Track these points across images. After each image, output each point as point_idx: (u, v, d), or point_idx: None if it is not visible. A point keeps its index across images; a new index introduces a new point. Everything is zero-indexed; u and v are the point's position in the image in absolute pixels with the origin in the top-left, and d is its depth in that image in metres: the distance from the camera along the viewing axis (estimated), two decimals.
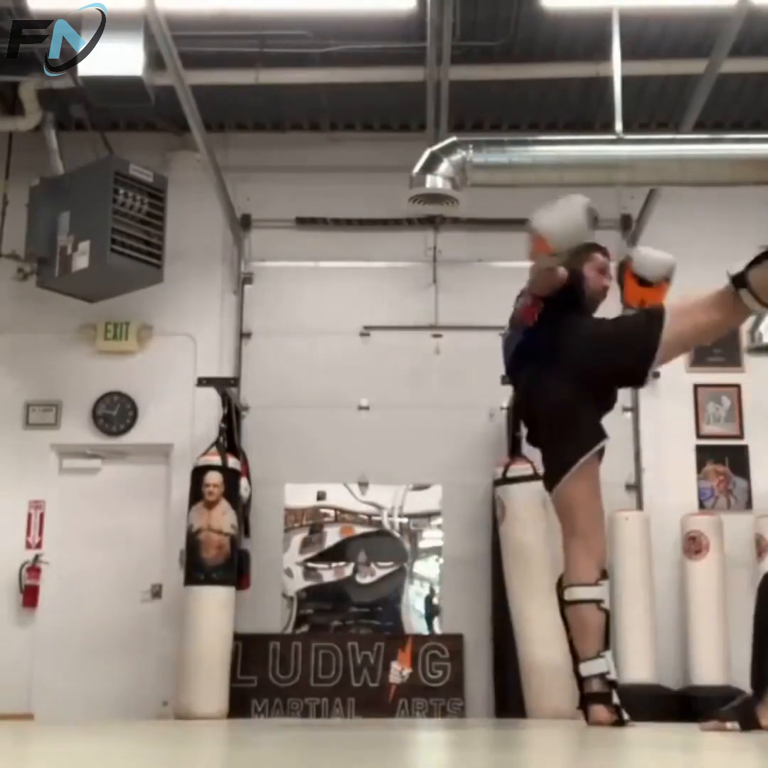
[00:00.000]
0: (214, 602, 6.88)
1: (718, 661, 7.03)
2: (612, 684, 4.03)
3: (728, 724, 3.54)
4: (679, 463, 7.67)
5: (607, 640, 4.07)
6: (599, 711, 3.98)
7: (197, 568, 6.89)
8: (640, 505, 7.57)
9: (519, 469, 7.09)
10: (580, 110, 7.78)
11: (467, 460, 7.62)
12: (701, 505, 7.63)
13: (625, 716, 3.98)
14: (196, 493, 7.02)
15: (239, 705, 6.96)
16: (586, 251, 4.43)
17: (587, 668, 4.03)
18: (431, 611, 7.60)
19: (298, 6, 6.70)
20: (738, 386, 7.82)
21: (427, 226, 7.98)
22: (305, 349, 7.87)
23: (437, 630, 7.51)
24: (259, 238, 8.08)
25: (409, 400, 7.75)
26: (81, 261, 7.13)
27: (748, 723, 3.50)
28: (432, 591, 7.62)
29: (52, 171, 7.46)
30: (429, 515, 7.71)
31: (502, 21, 6.94)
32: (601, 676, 4.02)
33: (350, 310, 7.97)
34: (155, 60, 6.60)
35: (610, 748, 2.81)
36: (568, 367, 4.23)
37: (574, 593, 4.11)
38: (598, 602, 4.07)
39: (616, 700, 3.99)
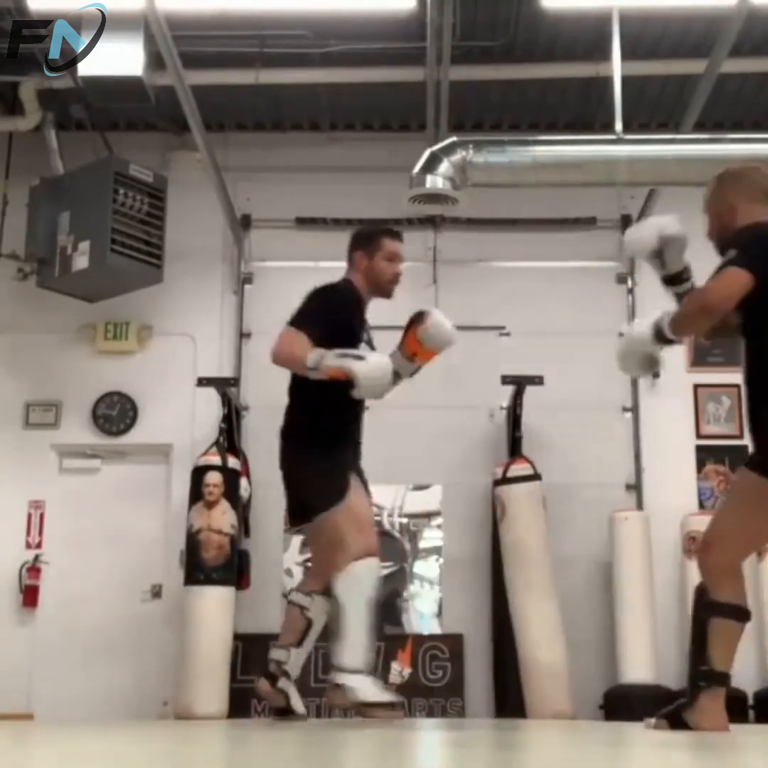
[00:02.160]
0: (214, 602, 6.88)
1: None
2: (285, 674, 4.53)
3: (658, 724, 3.75)
4: (679, 463, 7.67)
5: (300, 641, 4.55)
6: (264, 684, 4.57)
7: (197, 568, 6.89)
8: (640, 505, 7.57)
9: (519, 469, 7.09)
10: (580, 110, 7.78)
11: (467, 460, 7.62)
12: (701, 505, 7.62)
13: (300, 710, 4.53)
14: (196, 493, 7.02)
15: (239, 705, 6.95)
16: (376, 239, 4.56)
17: (274, 652, 4.59)
18: (431, 611, 7.59)
19: (298, 6, 6.70)
20: (738, 386, 7.80)
21: (427, 226, 7.98)
22: None
23: (437, 630, 7.51)
24: (259, 238, 8.08)
25: (409, 400, 7.73)
26: (81, 261, 7.13)
27: (678, 723, 3.67)
28: (432, 591, 7.62)
29: (52, 171, 7.45)
30: (429, 515, 7.71)
31: (502, 21, 6.94)
32: (279, 662, 4.54)
33: None
34: (155, 60, 6.61)
35: (610, 748, 2.81)
36: None
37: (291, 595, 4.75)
38: (302, 607, 4.57)
39: (283, 686, 4.51)
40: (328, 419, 4.58)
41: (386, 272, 4.59)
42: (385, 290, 4.66)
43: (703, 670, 3.84)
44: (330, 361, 4.22)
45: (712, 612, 3.93)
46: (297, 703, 4.53)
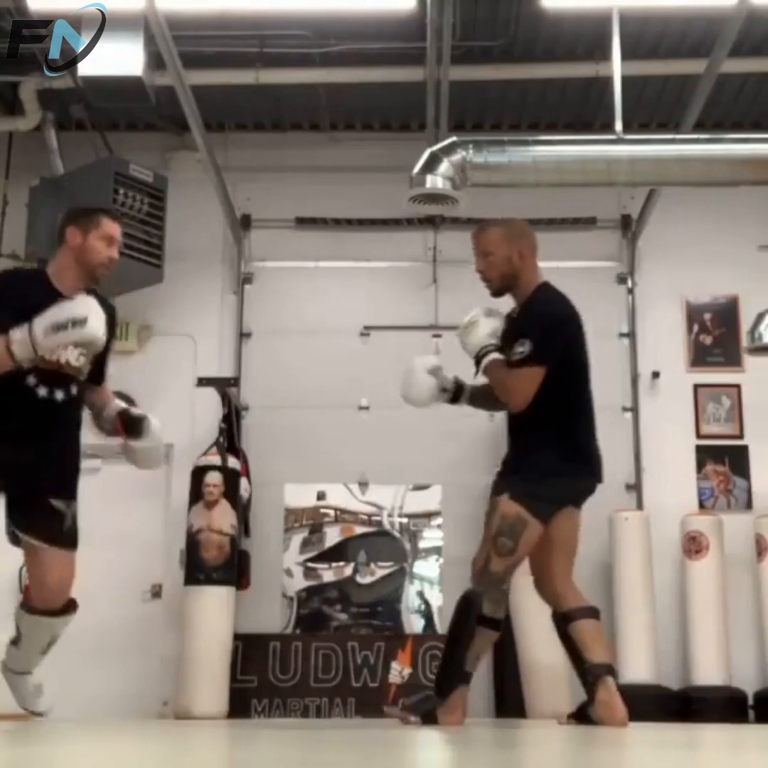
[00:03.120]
0: (214, 602, 6.88)
1: (718, 661, 7.03)
2: None
3: (411, 718, 4.17)
4: (679, 463, 7.67)
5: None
6: None
7: (197, 568, 6.89)
8: (640, 505, 7.57)
9: None
10: (580, 110, 7.78)
11: (467, 460, 7.62)
12: (701, 505, 7.62)
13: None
14: (196, 493, 7.02)
15: (239, 705, 6.96)
16: (94, 216, 4.17)
17: None
18: (431, 611, 7.60)
19: (298, 6, 6.70)
20: (738, 386, 7.82)
21: (427, 226, 7.98)
22: (305, 349, 7.87)
23: (437, 630, 7.51)
24: (259, 238, 8.08)
25: None
26: None
27: (428, 718, 4.10)
28: (432, 591, 7.62)
29: (52, 171, 7.45)
30: (429, 515, 7.71)
31: (502, 21, 6.94)
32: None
33: (350, 310, 7.97)
34: (155, 60, 6.60)
35: (610, 748, 2.81)
36: None
37: None
38: None
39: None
40: None
41: (100, 253, 4.11)
42: (94, 274, 4.14)
43: (586, 667, 4.18)
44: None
45: (569, 620, 4.32)
46: None
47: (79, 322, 3.80)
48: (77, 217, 4.17)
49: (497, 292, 4.44)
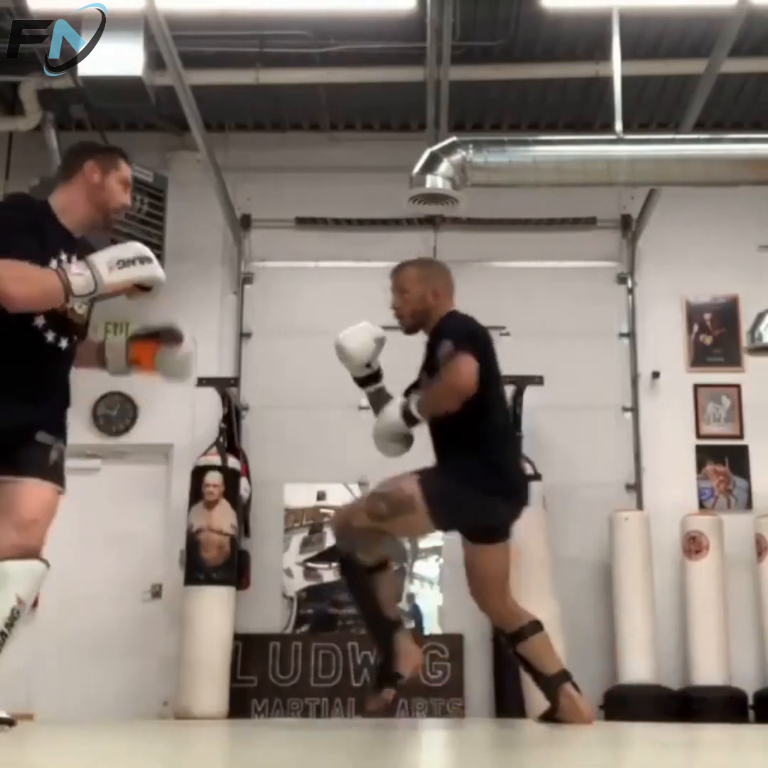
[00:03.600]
0: (214, 602, 6.88)
1: (718, 661, 7.03)
2: None
3: (384, 693, 4.16)
4: (679, 463, 7.67)
5: None
6: None
7: (197, 568, 6.89)
8: (640, 505, 7.57)
9: None
10: (580, 110, 7.78)
11: None
12: (701, 505, 7.62)
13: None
14: (196, 493, 7.02)
15: (239, 705, 6.96)
16: (115, 157, 3.79)
17: None
18: (431, 611, 7.60)
19: (298, 6, 6.70)
20: (738, 386, 7.82)
21: (427, 226, 7.98)
22: (305, 349, 7.86)
23: (437, 630, 7.51)
24: (259, 238, 8.08)
25: None
26: None
27: (389, 678, 4.14)
28: (432, 591, 7.62)
29: (52, 171, 7.44)
30: None
31: (502, 21, 6.94)
32: None
33: (350, 310, 7.94)
34: (155, 60, 6.60)
35: (611, 748, 2.81)
36: None
37: None
38: None
39: None
40: None
41: (117, 196, 3.76)
42: (108, 216, 3.78)
43: (544, 681, 4.41)
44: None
45: (518, 640, 4.37)
46: None
47: (147, 260, 3.61)
48: (96, 152, 3.79)
49: (409, 329, 4.56)
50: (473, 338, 4.28)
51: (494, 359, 4.37)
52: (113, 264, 3.55)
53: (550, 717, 4.45)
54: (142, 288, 3.72)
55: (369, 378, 4.69)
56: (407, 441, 4.40)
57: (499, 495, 4.19)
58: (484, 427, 4.21)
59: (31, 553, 3.53)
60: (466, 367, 4.07)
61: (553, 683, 4.39)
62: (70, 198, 3.69)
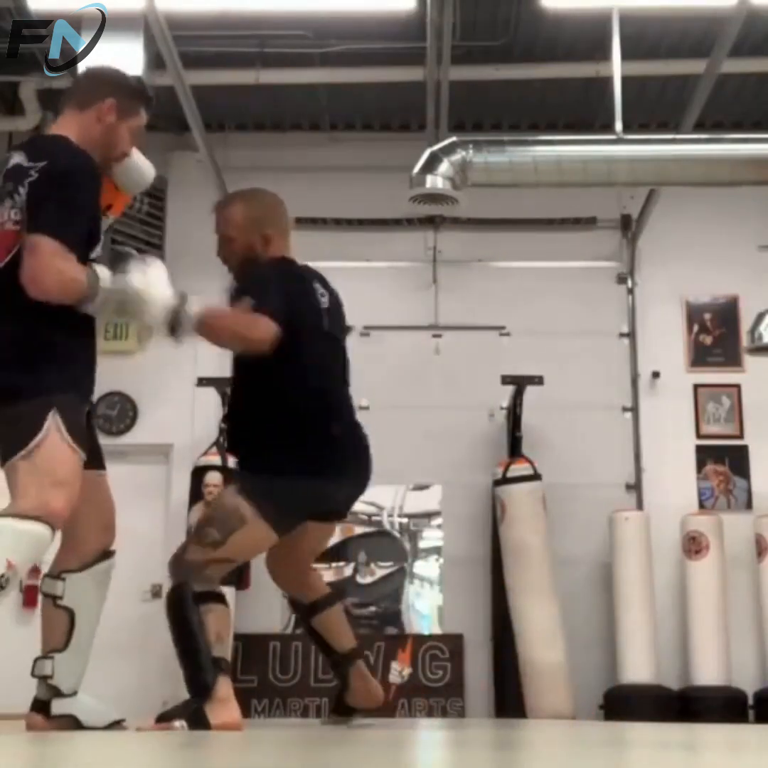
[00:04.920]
0: None
1: (718, 661, 7.03)
2: (57, 692, 3.71)
3: (176, 723, 3.59)
4: (679, 463, 7.67)
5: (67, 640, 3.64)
6: (34, 720, 3.73)
7: None
8: (640, 505, 7.57)
9: (519, 469, 7.09)
10: (580, 110, 7.78)
11: (467, 460, 7.62)
12: (701, 505, 7.62)
13: (104, 720, 3.56)
14: (196, 493, 7.02)
15: (239, 705, 6.95)
16: (138, 102, 3.52)
17: (38, 667, 3.77)
18: (431, 611, 7.60)
19: (298, 6, 6.69)
20: (738, 386, 7.82)
21: (427, 226, 7.98)
22: None
23: (437, 630, 7.51)
24: None
25: (409, 400, 7.74)
26: None
27: (197, 721, 3.59)
28: (432, 591, 7.62)
29: None
30: (429, 515, 7.71)
31: (502, 21, 6.94)
32: (45, 679, 3.75)
33: (350, 310, 7.91)
34: (155, 60, 6.60)
35: (610, 748, 2.81)
36: None
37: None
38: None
39: (63, 710, 3.65)
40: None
41: (124, 145, 3.44)
42: (108, 162, 3.42)
43: (338, 655, 4.12)
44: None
45: (313, 612, 4.10)
46: (95, 716, 3.53)
47: (144, 302, 3.26)
48: (121, 91, 3.52)
49: (238, 278, 3.87)
50: (275, 291, 3.60)
51: (313, 312, 3.81)
52: (111, 304, 3.21)
53: (341, 702, 4.20)
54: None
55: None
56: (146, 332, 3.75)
57: (326, 476, 3.65)
58: (298, 397, 3.66)
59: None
60: (265, 327, 3.47)
61: (344, 662, 4.08)
62: (83, 130, 3.34)
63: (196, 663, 3.77)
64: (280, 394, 3.70)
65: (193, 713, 3.61)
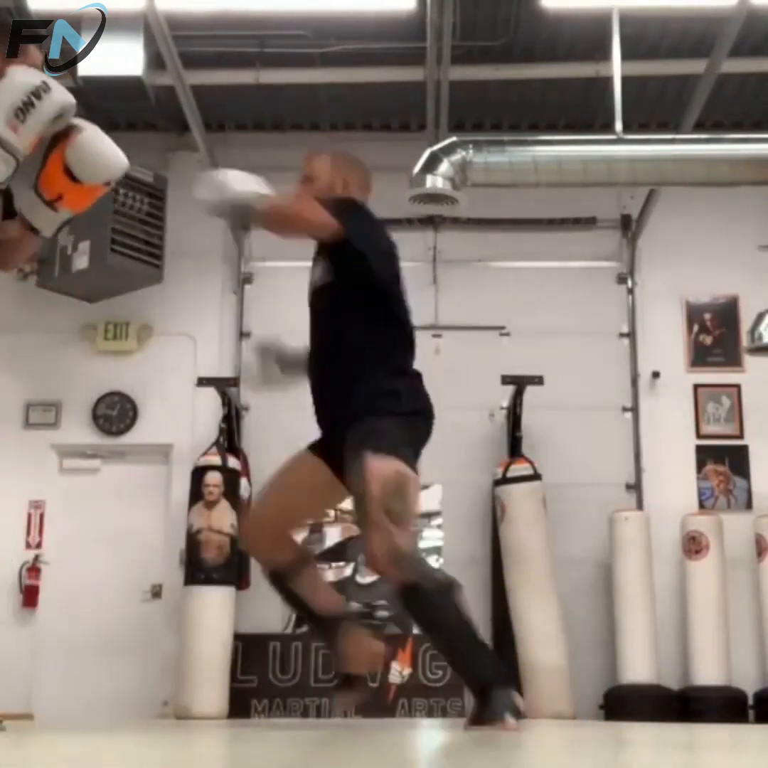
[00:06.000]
0: (214, 602, 6.88)
1: (718, 661, 7.03)
2: None
3: (510, 721, 3.33)
4: (679, 463, 7.67)
5: None
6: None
7: (197, 568, 6.89)
8: (640, 505, 7.57)
9: (519, 469, 7.09)
10: (580, 110, 7.78)
11: (467, 460, 7.62)
12: (701, 505, 7.62)
13: None
14: (196, 493, 7.02)
15: (239, 705, 6.96)
16: (14, 41, 3.24)
17: None
18: None
19: (298, 6, 6.70)
20: (738, 386, 7.82)
21: (427, 226, 7.97)
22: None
23: None
24: (259, 238, 8.07)
25: None
26: (81, 261, 7.13)
27: (517, 712, 3.37)
28: None
29: None
30: (429, 515, 7.71)
31: (502, 21, 6.94)
32: None
33: None
34: (155, 60, 6.61)
35: (611, 748, 2.81)
36: None
37: None
38: None
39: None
40: None
41: None
42: None
43: (327, 622, 3.77)
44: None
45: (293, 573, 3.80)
46: None
47: (43, 89, 2.88)
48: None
49: None
50: (371, 231, 3.87)
51: (398, 266, 3.94)
52: (9, 114, 2.86)
53: (340, 673, 3.85)
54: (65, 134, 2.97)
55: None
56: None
57: (425, 414, 3.81)
58: (398, 339, 3.75)
59: None
60: (326, 215, 3.64)
61: (332, 626, 3.83)
62: None
63: (475, 656, 3.52)
64: (382, 339, 3.71)
65: (511, 704, 3.36)
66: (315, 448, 3.96)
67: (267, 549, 3.84)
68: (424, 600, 3.43)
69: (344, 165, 4.08)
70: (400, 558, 3.40)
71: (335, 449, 3.68)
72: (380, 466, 3.44)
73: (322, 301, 3.84)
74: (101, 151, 3.18)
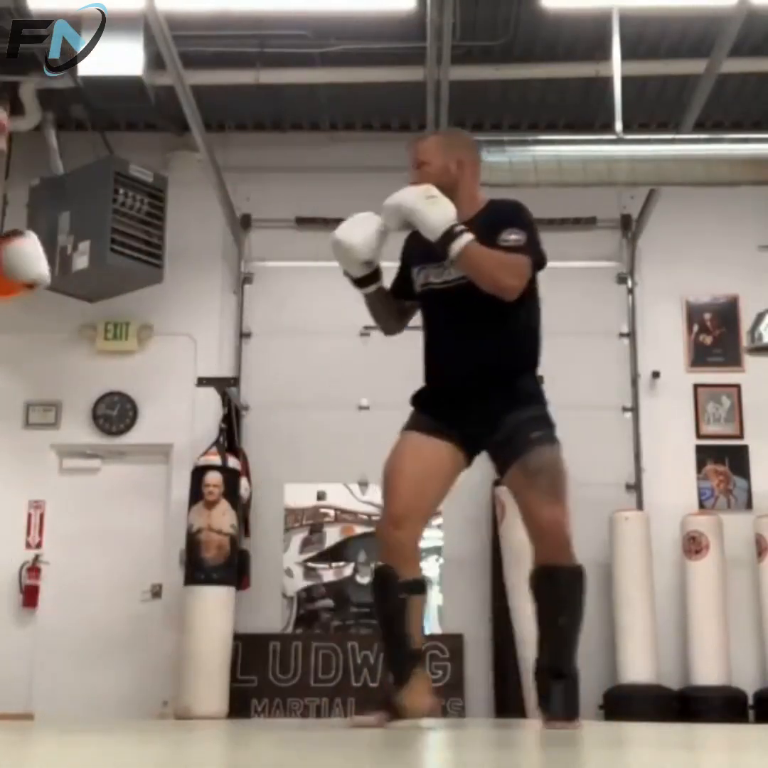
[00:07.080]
0: (214, 602, 6.88)
1: (718, 661, 7.03)
2: None
3: (579, 722, 3.66)
4: (679, 463, 7.67)
5: None
6: None
7: (197, 568, 6.89)
8: (640, 505, 7.57)
9: None
10: (580, 110, 7.78)
11: None
12: (701, 505, 7.63)
13: None
14: (196, 493, 7.02)
15: (239, 705, 6.96)
16: None
17: None
18: (431, 611, 7.59)
19: (298, 6, 6.70)
20: (738, 386, 7.82)
21: None
22: (305, 349, 7.86)
23: (437, 630, 7.50)
24: (259, 238, 8.08)
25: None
26: (81, 261, 7.13)
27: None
28: (432, 591, 7.62)
29: (52, 171, 7.45)
30: None
31: (502, 21, 6.94)
32: None
33: (350, 310, 7.89)
34: (155, 60, 6.61)
35: (611, 748, 2.81)
36: None
37: None
38: None
39: None
40: None
41: None
42: None
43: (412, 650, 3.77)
44: None
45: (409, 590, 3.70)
46: None
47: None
48: None
49: None
50: (538, 237, 3.95)
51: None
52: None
53: (392, 702, 3.80)
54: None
55: (368, 277, 4.22)
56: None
57: None
58: (537, 332, 3.85)
59: None
60: (524, 272, 3.72)
61: (416, 657, 3.92)
62: None
63: (576, 646, 3.99)
64: (530, 331, 3.85)
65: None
66: (429, 429, 4.04)
67: (411, 555, 3.76)
68: (581, 583, 4.05)
69: (454, 144, 3.96)
70: (569, 544, 3.86)
71: (478, 421, 4.03)
72: (561, 455, 3.80)
73: (472, 295, 3.78)
74: (26, 259, 3.92)
